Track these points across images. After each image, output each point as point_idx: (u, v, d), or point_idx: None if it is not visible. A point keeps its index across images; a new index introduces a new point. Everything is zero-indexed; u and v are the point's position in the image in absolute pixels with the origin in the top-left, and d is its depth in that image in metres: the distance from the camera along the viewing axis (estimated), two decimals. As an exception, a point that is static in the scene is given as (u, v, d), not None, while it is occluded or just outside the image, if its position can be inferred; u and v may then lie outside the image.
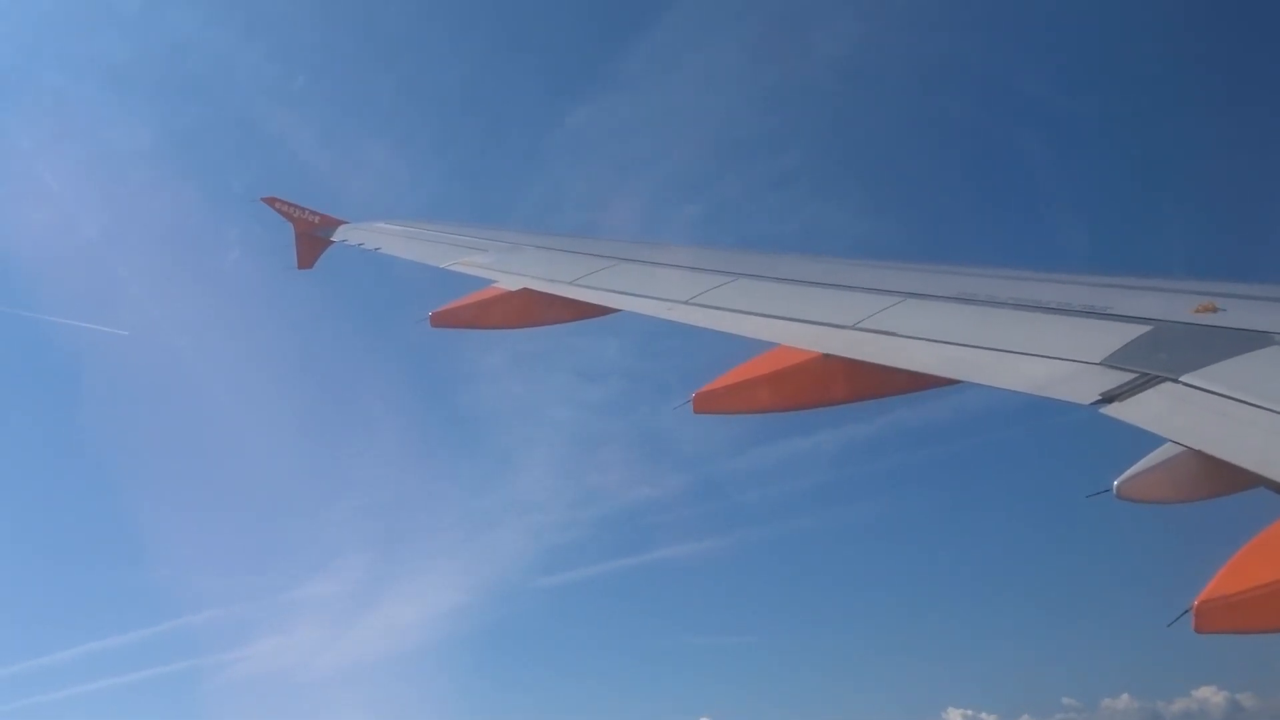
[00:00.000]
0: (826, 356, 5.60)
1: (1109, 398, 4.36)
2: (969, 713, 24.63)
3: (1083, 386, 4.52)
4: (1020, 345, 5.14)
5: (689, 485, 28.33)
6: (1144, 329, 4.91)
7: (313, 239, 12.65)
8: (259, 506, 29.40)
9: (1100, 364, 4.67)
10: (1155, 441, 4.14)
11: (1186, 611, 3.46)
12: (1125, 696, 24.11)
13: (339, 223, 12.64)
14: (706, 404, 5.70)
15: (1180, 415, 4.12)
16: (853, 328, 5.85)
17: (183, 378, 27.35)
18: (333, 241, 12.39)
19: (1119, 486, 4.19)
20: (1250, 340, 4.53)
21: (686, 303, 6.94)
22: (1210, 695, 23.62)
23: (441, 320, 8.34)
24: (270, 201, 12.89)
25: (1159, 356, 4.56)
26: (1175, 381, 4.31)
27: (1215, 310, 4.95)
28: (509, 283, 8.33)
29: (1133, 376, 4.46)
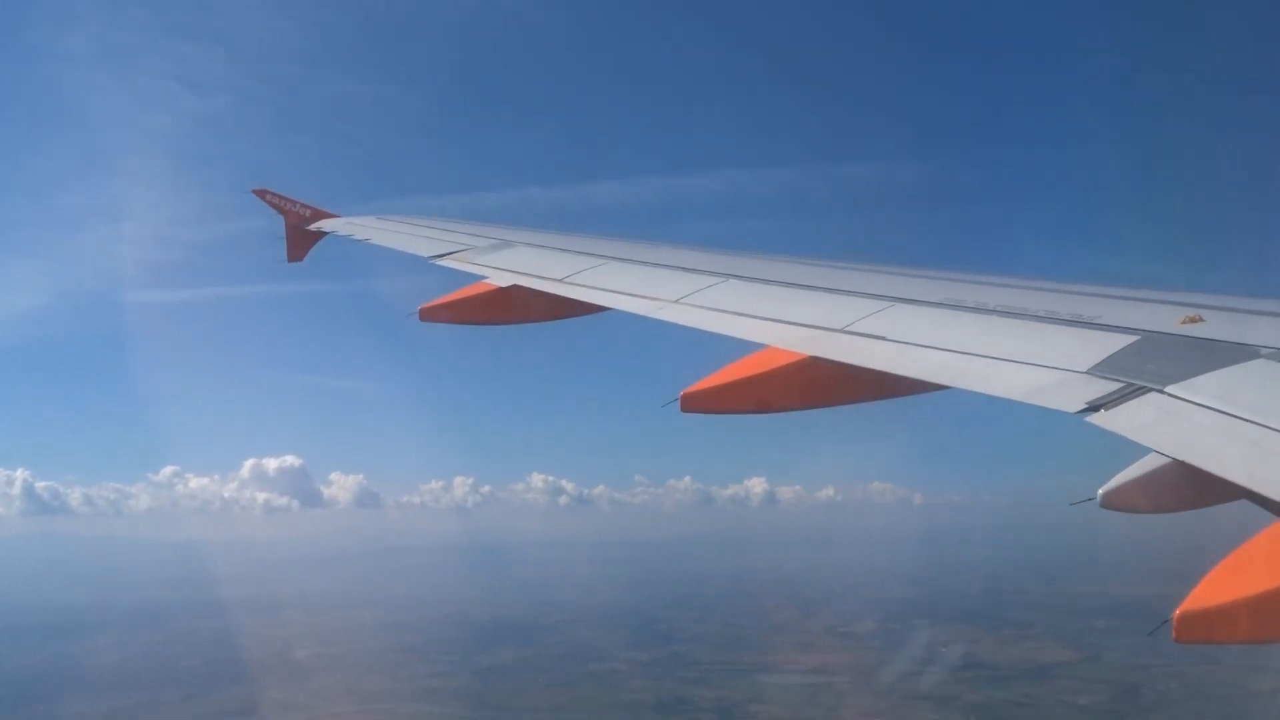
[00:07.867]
0: (815, 359, 5.60)
1: (1095, 406, 4.38)
2: (550, 478, 26.54)
3: (1069, 395, 4.54)
4: (1008, 352, 5.15)
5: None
6: (1131, 339, 4.93)
7: (304, 232, 12.62)
8: None
9: (1087, 373, 4.69)
10: (1140, 451, 4.16)
11: (1166, 621, 3.48)
12: (687, 479, 26.73)
13: (330, 216, 12.61)
14: (694, 403, 5.71)
15: (1165, 426, 4.14)
16: (842, 331, 5.85)
17: None
18: (324, 233, 12.35)
19: (1104, 495, 4.21)
20: (1235, 353, 4.56)
21: (676, 302, 6.94)
22: (756, 485, 26.96)
23: (430, 315, 8.32)
24: (261, 194, 12.84)
25: (1145, 367, 4.58)
26: (1161, 392, 4.33)
27: (1200, 322, 4.98)
28: (499, 279, 8.32)
29: (1119, 386, 4.47)
